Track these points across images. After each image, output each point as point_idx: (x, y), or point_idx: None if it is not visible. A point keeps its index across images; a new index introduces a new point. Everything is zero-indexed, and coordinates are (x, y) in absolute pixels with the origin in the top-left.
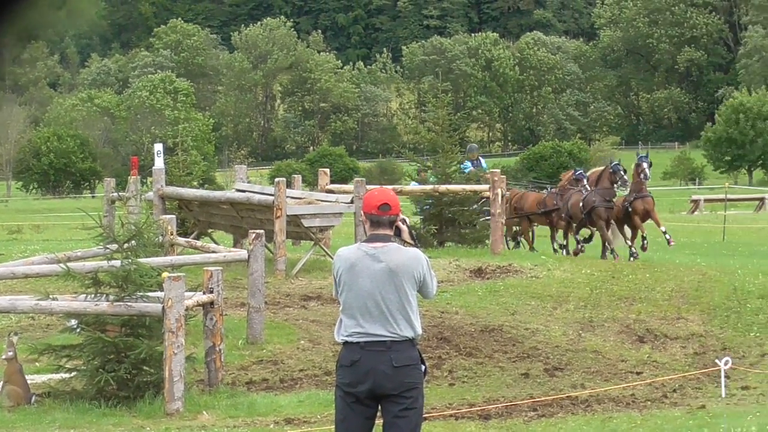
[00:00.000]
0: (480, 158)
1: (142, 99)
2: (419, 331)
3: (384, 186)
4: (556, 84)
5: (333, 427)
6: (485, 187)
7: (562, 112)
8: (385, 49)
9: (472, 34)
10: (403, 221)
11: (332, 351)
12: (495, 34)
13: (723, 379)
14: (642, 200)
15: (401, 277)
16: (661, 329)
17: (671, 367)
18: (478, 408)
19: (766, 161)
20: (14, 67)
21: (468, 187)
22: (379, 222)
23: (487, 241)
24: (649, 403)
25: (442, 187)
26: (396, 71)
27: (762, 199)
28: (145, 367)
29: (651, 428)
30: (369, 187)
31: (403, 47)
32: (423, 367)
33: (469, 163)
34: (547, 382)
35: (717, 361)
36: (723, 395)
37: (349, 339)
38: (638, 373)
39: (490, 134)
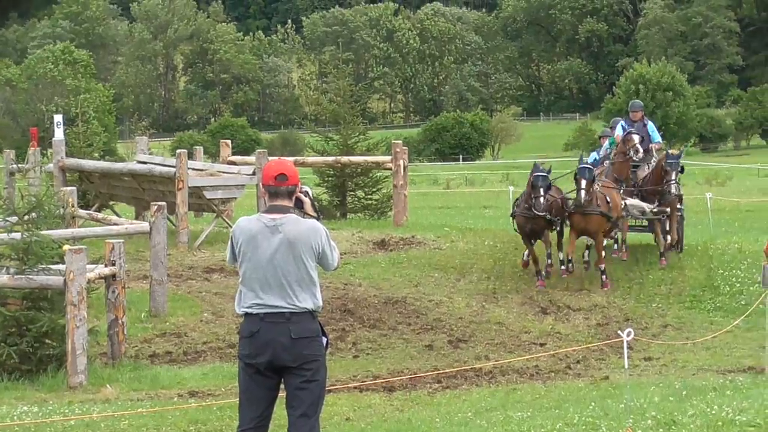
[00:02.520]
0: (647, 120)
1: (46, 70)
2: (320, 303)
3: (284, 157)
4: (458, 55)
5: (237, 399)
6: (387, 158)
7: (464, 83)
8: (288, 20)
9: (373, 5)
10: (306, 193)
11: (235, 323)
12: (395, 4)
13: (626, 350)
14: (583, 217)
15: (299, 248)
16: (563, 300)
17: (574, 338)
18: (383, 380)
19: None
20: None
21: (370, 158)
22: (277, 193)
23: (389, 213)
24: (552, 374)
25: (344, 159)
26: (297, 42)
27: None
28: (47, 341)
29: (555, 399)
30: (271, 158)
31: (304, 18)
32: (324, 340)
33: (620, 129)
34: (452, 353)
35: (619, 332)
36: (626, 366)
37: (249, 311)
38: (542, 345)
39: (392, 105)
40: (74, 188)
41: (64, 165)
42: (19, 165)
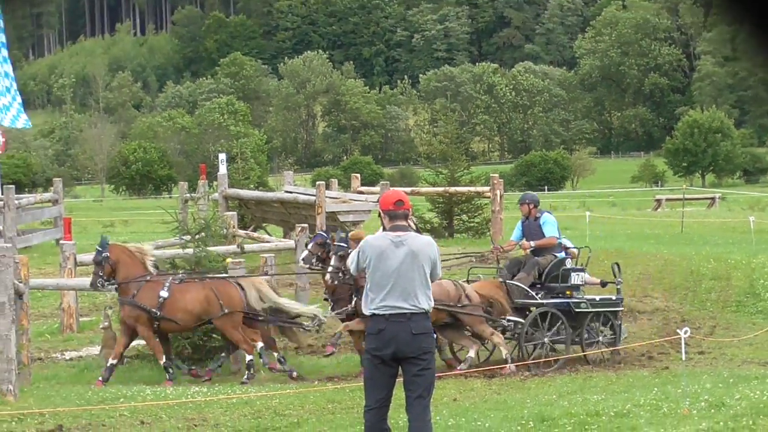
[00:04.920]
0: (544, 214)
1: (214, 118)
2: (432, 304)
3: (401, 188)
4: (544, 104)
5: (362, 384)
6: (486, 188)
7: (549, 128)
8: (406, 76)
9: (476, 64)
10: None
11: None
12: (494, 64)
13: (683, 345)
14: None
15: (421, 259)
16: (631, 305)
17: (640, 336)
18: (483, 368)
19: (715, 167)
20: (105, 93)
21: (472, 188)
22: (396, 215)
23: (488, 233)
24: (622, 365)
25: (452, 189)
26: (413, 95)
27: (713, 198)
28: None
29: (624, 385)
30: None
31: (420, 75)
32: (434, 335)
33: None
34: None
35: (678, 330)
36: (683, 359)
37: (376, 311)
38: None
39: (490, 145)
40: (234, 213)
41: (226, 194)
42: (191, 194)
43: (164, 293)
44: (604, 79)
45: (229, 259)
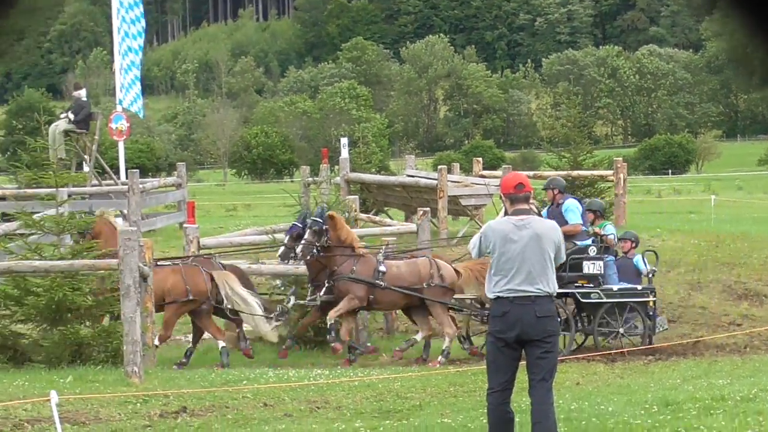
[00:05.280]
0: (567, 200)
1: (335, 103)
2: (556, 288)
3: (523, 172)
4: (669, 87)
5: (484, 366)
6: (609, 172)
7: (673, 111)
8: (529, 60)
9: (599, 47)
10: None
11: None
12: (618, 47)
13: None
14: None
15: (544, 242)
16: (757, 289)
17: (766, 320)
18: (606, 352)
19: None
20: (228, 78)
21: (595, 172)
22: (517, 199)
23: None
24: (747, 349)
25: (574, 173)
26: (536, 78)
27: None
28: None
29: (750, 369)
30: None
31: (543, 59)
32: (559, 318)
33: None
34: (663, 331)
35: None
36: None
37: (501, 294)
38: (738, 325)
39: (613, 129)
40: (356, 197)
41: (348, 178)
42: (313, 178)
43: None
44: (731, 61)
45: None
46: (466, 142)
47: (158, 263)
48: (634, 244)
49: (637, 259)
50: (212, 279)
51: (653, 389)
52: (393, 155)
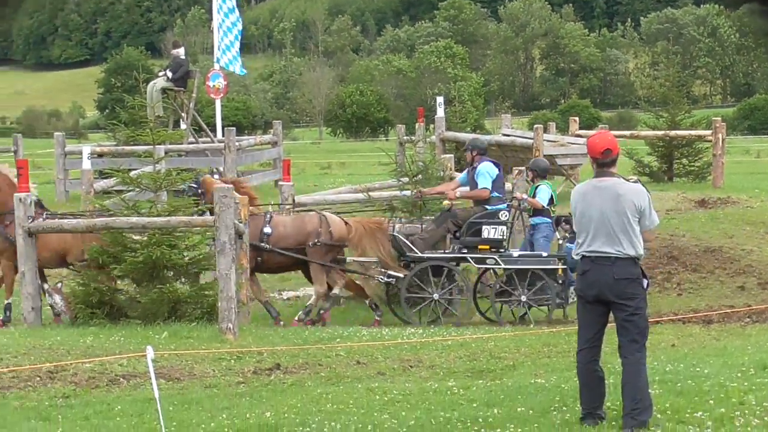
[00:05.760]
0: (482, 163)
1: (431, 62)
2: (641, 251)
3: (608, 131)
4: None
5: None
6: (708, 132)
7: None
8: (629, 19)
9: (700, 6)
10: None
11: None
12: (719, 6)
13: None
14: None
15: (623, 204)
16: None
17: None
18: (702, 314)
19: None
20: (325, 36)
21: (693, 132)
22: (604, 163)
23: (709, 177)
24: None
25: (672, 133)
26: (634, 38)
27: None
28: None
29: None
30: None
31: (641, 18)
32: (645, 282)
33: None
34: (760, 294)
35: None
36: None
37: (584, 254)
38: None
39: (712, 89)
40: (452, 156)
41: (444, 137)
42: (409, 137)
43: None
44: None
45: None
46: (563, 101)
47: None
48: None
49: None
50: None
51: (750, 352)
52: (488, 114)
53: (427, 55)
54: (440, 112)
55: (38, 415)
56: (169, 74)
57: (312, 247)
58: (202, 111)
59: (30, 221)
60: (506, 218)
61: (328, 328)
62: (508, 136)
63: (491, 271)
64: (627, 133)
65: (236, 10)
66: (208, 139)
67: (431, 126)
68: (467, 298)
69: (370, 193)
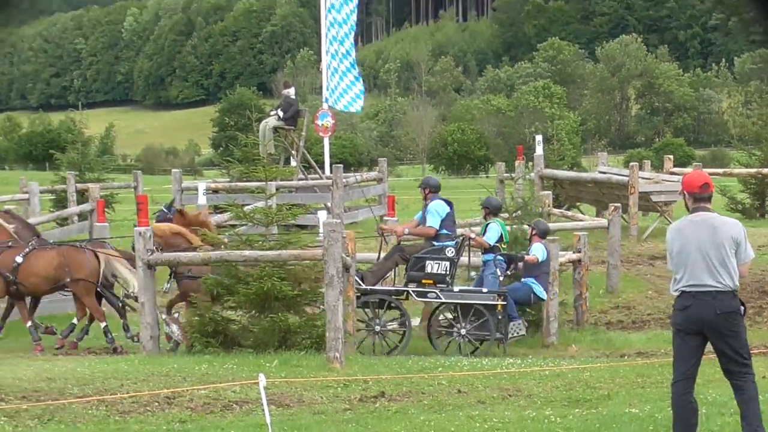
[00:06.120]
0: (433, 201)
1: (529, 101)
2: (737, 283)
3: (702, 169)
4: None
5: (672, 359)
6: None
7: None
8: (723, 59)
9: None
10: None
11: (673, 299)
12: None
13: None
14: None
15: (722, 237)
16: None
17: None
18: None
19: None
20: (428, 77)
21: None
22: (701, 198)
23: None
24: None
25: (765, 170)
26: (727, 77)
27: None
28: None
29: None
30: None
31: (735, 58)
32: (742, 309)
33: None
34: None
35: None
36: None
37: (684, 289)
38: None
39: None
40: (550, 192)
41: (542, 174)
42: (509, 174)
43: (19, 259)
44: None
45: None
46: (657, 139)
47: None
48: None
49: (535, 248)
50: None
51: None
52: (585, 152)
53: (525, 95)
54: (539, 150)
55: None
56: (281, 113)
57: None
58: (311, 149)
59: (149, 254)
60: (452, 254)
61: (430, 358)
62: (605, 173)
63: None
64: (720, 170)
65: (353, 52)
66: (317, 176)
67: (530, 163)
68: (406, 330)
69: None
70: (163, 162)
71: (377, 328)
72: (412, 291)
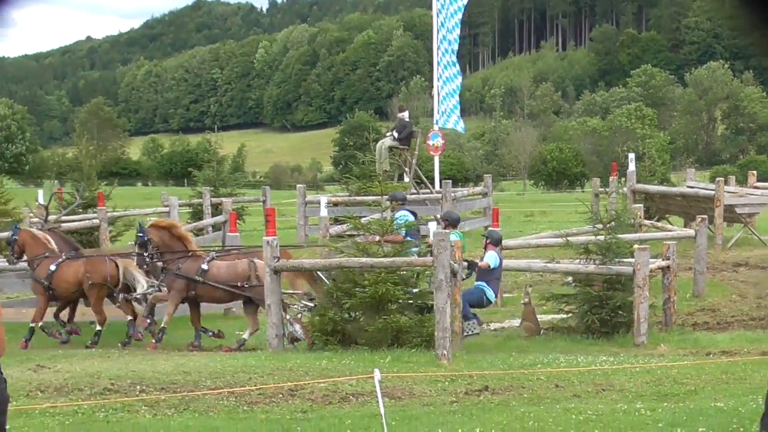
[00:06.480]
0: (398, 212)
1: (621, 122)
2: None
3: None
4: None
5: (755, 357)
6: None
7: None
8: None
9: None
10: None
11: (755, 303)
12: None
13: None
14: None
15: None
16: None
17: None
18: None
19: None
20: (530, 101)
21: None
22: None
23: None
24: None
25: None
26: None
27: None
28: (619, 312)
29: None
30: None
31: None
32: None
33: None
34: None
35: None
36: None
37: None
38: None
39: None
40: (641, 205)
41: (634, 189)
42: (603, 189)
43: (205, 266)
44: None
45: (636, 246)
46: (741, 156)
47: None
48: (488, 240)
49: (488, 255)
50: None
51: None
52: (674, 169)
53: (619, 117)
54: (631, 166)
55: (281, 427)
56: (396, 134)
57: (248, 287)
58: (423, 166)
59: (276, 261)
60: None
61: (530, 355)
62: (692, 188)
63: None
64: None
65: (460, 77)
66: (428, 191)
67: (623, 179)
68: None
69: (569, 238)
70: (289, 178)
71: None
72: None
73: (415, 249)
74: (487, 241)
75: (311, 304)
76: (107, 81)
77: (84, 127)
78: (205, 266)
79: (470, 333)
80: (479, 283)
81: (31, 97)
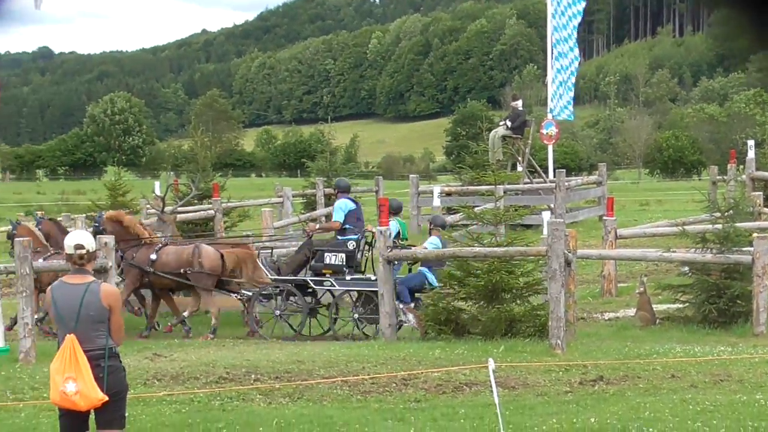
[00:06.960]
0: (339, 200)
1: (740, 109)
2: None
3: None
4: None
5: None
6: None
7: None
8: None
9: None
10: None
11: None
12: None
13: None
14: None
15: None
16: None
17: None
18: None
19: None
20: (645, 88)
21: None
22: None
23: None
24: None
25: None
26: None
27: None
28: (738, 301)
29: None
30: None
31: None
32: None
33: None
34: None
35: None
36: None
37: None
38: None
39: None
40: (760, 193)
41: (753, 176)
42: (721, 176)
43: (153, 256)
44: None
45: (755, 234)
46: None
47: None
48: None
49: (430, 240)
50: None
51: None
52: None
53: (737, 103)
54: (751, 153)
55: (394, 416)
56: (509, 123)
57: (190, 273)
58: (536, 155)
59: (389, 251)
60: (352, 247)
61: (645, 345)
62: None
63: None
64: None
65: (576, 62)
66: (542, 180)
67: (741, 166)
68: (303, 314)
69: (685, 227)
70: (401, 168)
71: (277, 312)
72: (310, 279)
73: (353, 237)
74: (431, 226)
75: (250, 293)
76: (222, 73)
77: (199, 119)
78: (153, 256)
79: (404, 321)
80: (422, 268)
81: (148, 90)
